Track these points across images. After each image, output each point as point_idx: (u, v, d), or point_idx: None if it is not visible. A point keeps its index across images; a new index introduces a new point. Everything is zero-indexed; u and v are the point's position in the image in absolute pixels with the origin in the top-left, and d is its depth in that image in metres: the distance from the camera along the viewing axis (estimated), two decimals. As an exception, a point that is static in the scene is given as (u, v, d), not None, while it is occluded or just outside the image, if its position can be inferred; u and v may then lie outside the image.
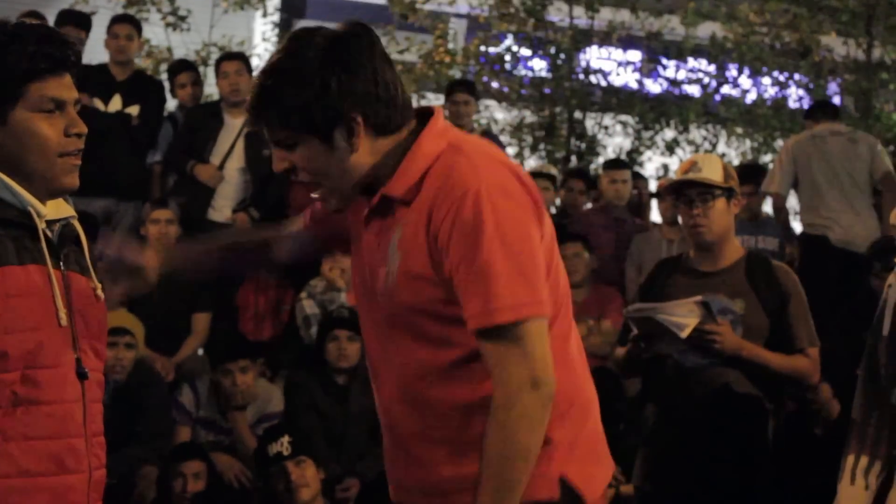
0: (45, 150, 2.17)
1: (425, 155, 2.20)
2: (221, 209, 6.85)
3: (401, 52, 11.75)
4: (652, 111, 12.33)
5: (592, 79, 12.39)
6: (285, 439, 5.12)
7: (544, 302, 2.14)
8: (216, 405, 5.68)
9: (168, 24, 11.58)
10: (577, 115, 12.27)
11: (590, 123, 12.40)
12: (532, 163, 12.18)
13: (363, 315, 2.38)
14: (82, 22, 7.09)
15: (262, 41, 13.41)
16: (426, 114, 2.29)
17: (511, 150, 12.24)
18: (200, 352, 6.37)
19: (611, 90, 12.44)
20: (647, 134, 12.48)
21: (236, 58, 7.26)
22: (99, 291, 2.31)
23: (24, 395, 2.11)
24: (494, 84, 12.25)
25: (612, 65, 12.43)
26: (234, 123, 6.90)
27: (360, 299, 2.37)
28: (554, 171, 9.54)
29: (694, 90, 12.66)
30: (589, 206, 7.94)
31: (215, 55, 11.68)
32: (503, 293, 2.09)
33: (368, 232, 2.30)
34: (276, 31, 13.39)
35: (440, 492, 2.29)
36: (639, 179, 8.58)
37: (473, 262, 2.09)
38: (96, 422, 2.26)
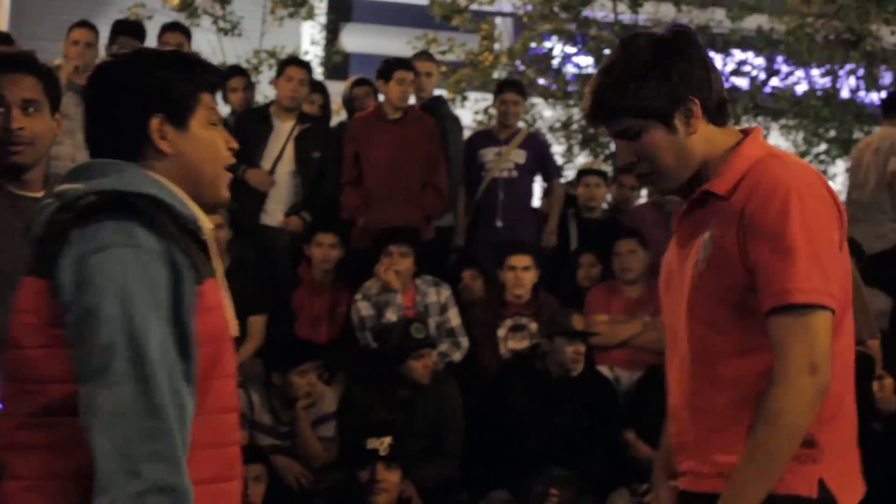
0: (217, 160, 2.21)
1: (746, 157, 2.39)
2: (273, 213, 6.91)
3: (443, 52, 11.74)
4: (700, 105, 12.25)
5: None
6: (387, 440, 5.13)
7: (835, 296, 2.26)
8: (270, 409, 5.70)
9: (220, 30, 11.71)
10: (626, 110, 12.19)
11: (638, 119, 12.33)
12: (581, 160, 12.15)
13: (666, 309, 2.57)
14: (137, 32, 7.12)
15: (311, 45, 13.51)
16: (746, 132, 2.49)
17: (560, 148, 12.21)
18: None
19: (658, 85, 12.37)
20: (696, 128, 12.40)
21: (303, 66, 7.28)
22: None
23: (200, 404, 2.06)
24: (541, 81, 12.23)
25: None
26: (284, 127, 6.95)
27: (665, 294, 2.57)
28: (605, 167, 9.52)
29: (742, 83, 12.57)
30: (640, 202, 7.92)
31: (266, 62, 11.82)
32: (801, 276, 2.23)
33: (683, 227, 2.48)
34: (324, 34, 13.48)
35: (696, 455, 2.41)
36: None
37: (777, 246, 2.25)
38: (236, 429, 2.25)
